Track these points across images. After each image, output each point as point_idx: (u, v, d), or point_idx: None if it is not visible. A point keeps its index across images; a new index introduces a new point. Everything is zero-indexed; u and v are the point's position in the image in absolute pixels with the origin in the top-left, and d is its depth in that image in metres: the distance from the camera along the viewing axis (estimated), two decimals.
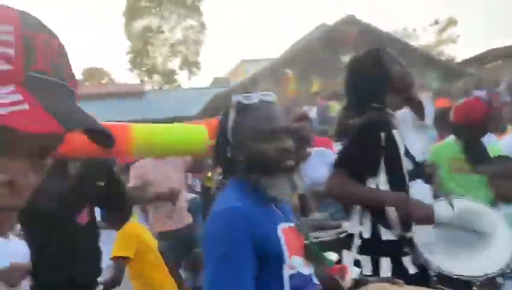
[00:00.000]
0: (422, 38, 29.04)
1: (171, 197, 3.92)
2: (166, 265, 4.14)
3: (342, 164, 2.09)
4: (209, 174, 5.07)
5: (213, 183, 5.09)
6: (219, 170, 3.54)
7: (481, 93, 8.59)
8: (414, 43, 21.37)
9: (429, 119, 2.21)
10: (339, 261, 1.96)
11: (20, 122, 0.54)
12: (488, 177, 2.65)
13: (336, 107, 7.40)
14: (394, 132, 2.08)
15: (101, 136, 0.69)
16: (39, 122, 0.55)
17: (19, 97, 0.55)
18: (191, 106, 14.35)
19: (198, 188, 4.95)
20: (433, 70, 14.91)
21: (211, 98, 13.86)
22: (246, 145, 1.40)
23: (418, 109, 2.34)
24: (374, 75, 2.10)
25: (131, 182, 4.06)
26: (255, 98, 1.44)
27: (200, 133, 1.91)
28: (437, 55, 21.76)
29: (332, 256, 2.03)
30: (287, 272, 1.37)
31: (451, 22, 31.36)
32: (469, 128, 2.98)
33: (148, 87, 28.55)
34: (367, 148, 2.04)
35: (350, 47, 12.86)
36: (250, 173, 1.39)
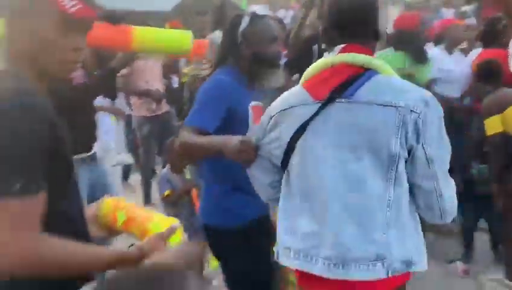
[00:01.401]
0: None
1: (158, 98, 4.47)
2: (148, 148, 4.65)
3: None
4: (185, 71, 5.41)
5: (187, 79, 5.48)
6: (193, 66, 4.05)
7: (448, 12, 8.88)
8: None
9: None
10: None
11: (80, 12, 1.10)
12: None
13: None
14: None
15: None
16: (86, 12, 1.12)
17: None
18: None
19: (176, 84, 5.39)
20: None
21: None
22: (257, 45, 2.00)
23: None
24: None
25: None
26: (261, 12, 2.11)
27: (186, 39, 2.88)
28: None
29: None
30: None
31: None
32: (401, 35, 3.57)
33: None
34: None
35: None
36: (254, 64, 2.01)
